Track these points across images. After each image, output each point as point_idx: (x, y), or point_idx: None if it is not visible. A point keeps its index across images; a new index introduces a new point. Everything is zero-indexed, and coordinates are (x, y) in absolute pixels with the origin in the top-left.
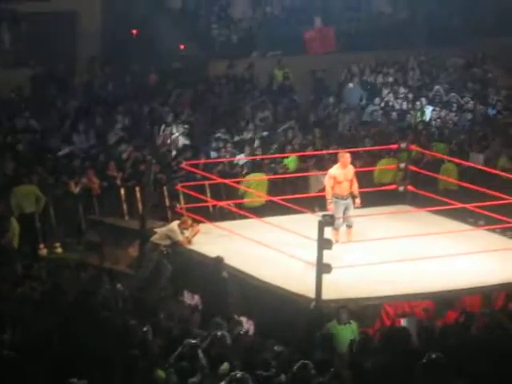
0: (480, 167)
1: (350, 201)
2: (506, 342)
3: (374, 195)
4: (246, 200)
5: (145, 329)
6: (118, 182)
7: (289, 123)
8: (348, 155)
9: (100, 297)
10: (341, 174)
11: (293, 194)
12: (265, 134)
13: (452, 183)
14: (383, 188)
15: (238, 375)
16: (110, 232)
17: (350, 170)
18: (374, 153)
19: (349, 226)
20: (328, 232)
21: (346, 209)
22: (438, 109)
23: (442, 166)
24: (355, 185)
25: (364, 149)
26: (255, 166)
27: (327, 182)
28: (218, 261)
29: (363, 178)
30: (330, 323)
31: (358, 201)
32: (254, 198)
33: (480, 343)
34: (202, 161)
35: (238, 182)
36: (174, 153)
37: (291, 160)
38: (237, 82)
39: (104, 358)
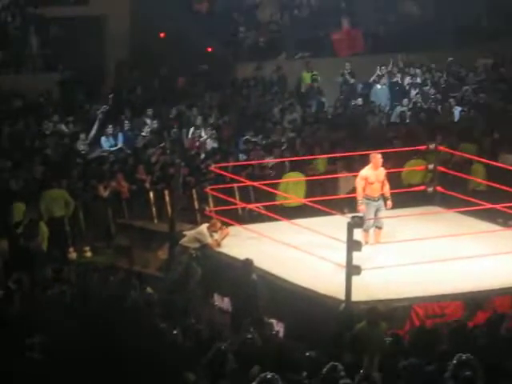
0: (509, 167)
1: (381, 202)
2: None
3: (403, 196)
4: (278, 202)
5: (175, 332)
6: (147, 185)
7: (316, 125)
8: (379, 156)
9: (130, 300)
10: (372, 174)
11: (322, 196)
12: (292, 135)
13: (481, 184)
14: (412, 189)
15: (269, 376)
16: (139, 235)
17: (382, 171)
18: (403, 154)
19: (379, 228)
20: (358, 233)
21: (377, 210)
22: (466, 109)
23: (472, 166)
24: (387, 186)
25: (393, 150)
26: (290, 167)
27: (358, 182)
28: (248, 263)
29: (392, 180)
30: (360, 325)
31: (389, 203)
32: (288, 200)
33: (510, 343)
34: (231, 163)
35: (273, 183)
36: (202, 155)
37: (320, 161)
38: (265, 84)
39: (133, 361)
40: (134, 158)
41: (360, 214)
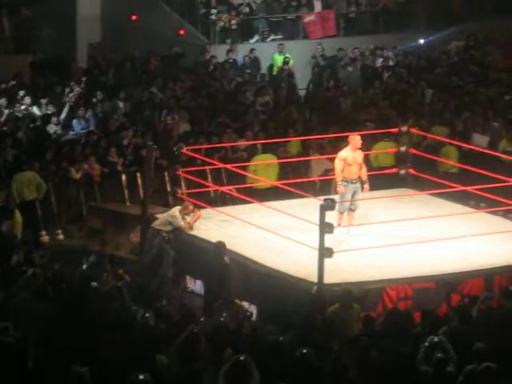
0: (481, 149)
1: (358, 185)
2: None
3: (374, 178)
4: (248, 184)
5: (147, 314)
6: (120, 167)
7: (289, 108)
8: (359, 138)
9: (102, 283)
10: (351, 156)
11: (295, 178)
12: (264, 117)
13: (453, 166)
14: (384, 171)
15: (241, 358)
16: (111, 218)
17: (360, 153)
18: (376, 136)
19: (352, 210)
20: (332, 215)
21: (354, 193)
22: (437, 91)
23: (442, 149)
24: (364, 169)
25: (365, 132)
26: (262, 149)
27: (337, 164)
28: (220, 246)
29: (365, 162)
30: (333, 307)
31: (366, 186)
32: (257, 183)
33: (482, 324)
34: (204, 146)
35: (246, 166)
36: (175, 138)
37: (293, 144)
38: (237, 66)
39: (106, 344)
40: (106, 141)
41: (332, 197)
